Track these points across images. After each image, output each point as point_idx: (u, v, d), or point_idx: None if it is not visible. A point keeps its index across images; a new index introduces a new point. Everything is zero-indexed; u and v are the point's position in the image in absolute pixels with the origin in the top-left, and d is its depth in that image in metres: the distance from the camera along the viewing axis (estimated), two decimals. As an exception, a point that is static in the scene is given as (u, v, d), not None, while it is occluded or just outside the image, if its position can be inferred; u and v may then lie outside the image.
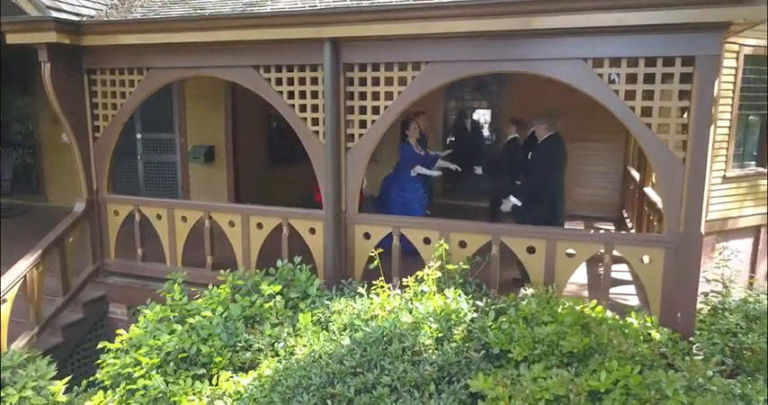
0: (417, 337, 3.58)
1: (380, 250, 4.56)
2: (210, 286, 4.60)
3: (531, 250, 4.49)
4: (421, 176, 6.43)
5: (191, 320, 4.11)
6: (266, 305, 4.20)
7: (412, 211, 6.13)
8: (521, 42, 4.20)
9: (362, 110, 4.80)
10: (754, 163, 9.17)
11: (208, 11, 5.02)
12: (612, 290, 4.74)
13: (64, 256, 5.55)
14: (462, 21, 4.20)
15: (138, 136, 8.54)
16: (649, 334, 3.76)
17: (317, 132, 4.94)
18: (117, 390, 3.81)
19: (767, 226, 8.09)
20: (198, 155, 8.13)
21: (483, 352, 3.55)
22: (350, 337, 3.69)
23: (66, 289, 5.61)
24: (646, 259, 4.19)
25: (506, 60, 4.29)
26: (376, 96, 4.74)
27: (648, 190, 6.34)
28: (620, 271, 5.43)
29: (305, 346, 3.73)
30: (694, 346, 4.01)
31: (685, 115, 4.05)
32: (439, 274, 4.12)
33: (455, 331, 3.64)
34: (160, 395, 3.56)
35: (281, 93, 4.98)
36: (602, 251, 4.34)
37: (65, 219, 5.65)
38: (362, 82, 4.75)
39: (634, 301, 5.02)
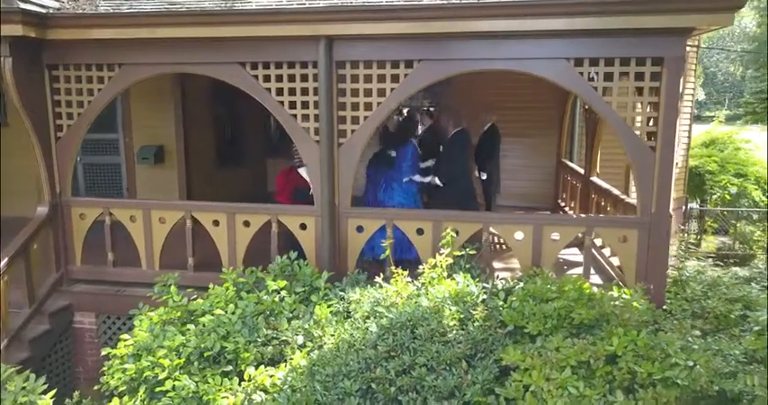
0: (441, 320, 3.79)
1: (391, 240, 4.71)
2: (212, 285, 4.53)
3: (518, 235, 4.85)
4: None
5: (203, 320, 4.06)
6: (276, 300, 4.23)
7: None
8: (512, 42, 4.53)
9: (355, 106, 4.93)
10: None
11: (184, 5, 4.91)
12: (573, 270, 5.21)
13: (29, 264, 5.19)
14: (456, 22, 4.46)
15: (77, 137, 8.03)
16: (632, 304, 4.22)
17: (308, 129, 5.00)
18: (136, 395, 3.70)
19: (676, 211, 9.09)
20: (147, 155, 7.80)
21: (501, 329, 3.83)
22: (376, 323, 3.83)
23: (31, 300, 5.25)
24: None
25: (498, 59, 4.61)
26: (368, 93, 4.88)
27: (595, 179, 6.94)
28: (573, 254, 5.97)
29: (332, 335, 3.82)
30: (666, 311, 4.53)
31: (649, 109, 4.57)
32: (451, 260, 4.35)
33: (474, 312, 3.89)
34: (190, 395, 3.51)
35: (270, 90, 4.99)
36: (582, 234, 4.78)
37: (28, 224, 5.28)
38: (354, 79, 4.88)
39: (596, 279, 5.51)
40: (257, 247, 5.28)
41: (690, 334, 3.82)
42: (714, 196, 11.93)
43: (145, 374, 3.70)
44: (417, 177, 6.18)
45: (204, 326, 3.98)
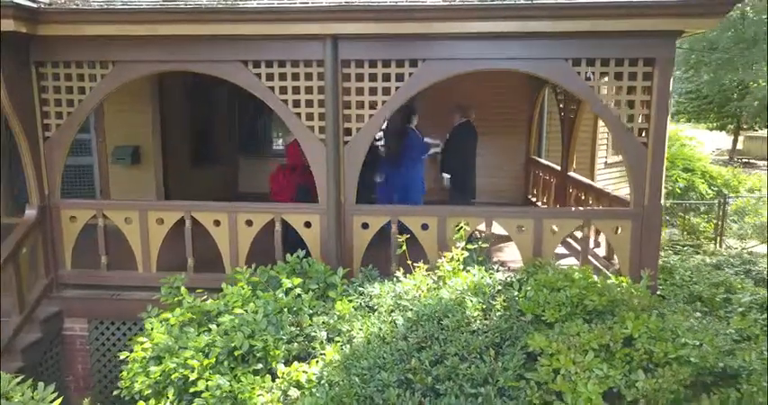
0: (464, 311, 3.92)
1: (407, 236, 4.82)
2: (224, 285, 4.48)
3: (520, 228, 5.04)
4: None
5: (223, 320, 4.03)
6: (295, 297, 4.24)
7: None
8: (515, 43, 4.72)
9: (360, 105, 4.99)
10: (624, 151, 10.74)
11: (187, 2, 4.83)
12: (561, 261, 5.48)
13: (18, 270, 4.98)
14: (460, 22, 4.61)
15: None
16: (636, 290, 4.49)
17: (312, 127, 5.02)
18: (162, 398, 3.64)
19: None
20: (124, 156, 7.57)
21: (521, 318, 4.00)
22: (402, 316, 3.92)
23: (21, 307, 5.03)
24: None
25: (503, 59, 4.78)
26: (373, 92, 4.95)
27: (573, 174, 7.26)
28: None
29: (360, 329, 3.88)
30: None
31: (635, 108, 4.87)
32: (466, 253, 4.49)
33: (494, 302, 4.04)
34: (224, 394, 3.49)
35: (273, 88, 4.98)
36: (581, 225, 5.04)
37: (16, 228, 5.06)
38: (359, 78, 4.94)
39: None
40: (255, 247, 5.25)
41: (692, 316, 4.11)
42: (665, 190, 12.64)
43: (173, 376, 3.64)
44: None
45: (227, 325, 3.95)
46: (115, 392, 3.97)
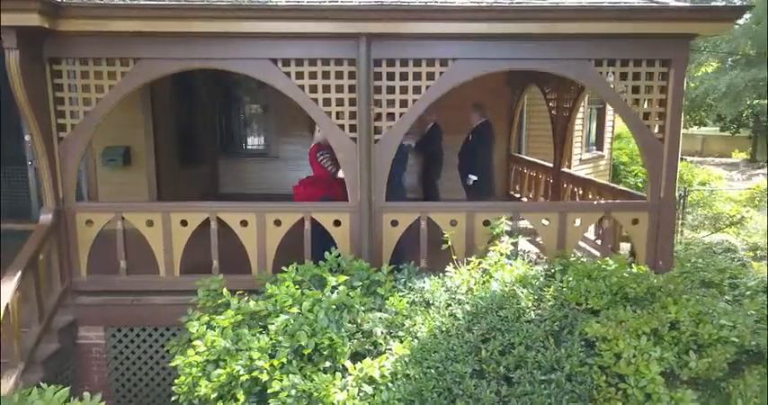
0: (519, 302, 4.07)
1: (451, 233, 4.90)
2: (268, 285, 4.43)
3: (545, 222, 5.24)
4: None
5: (279, 320, 3.99)
6: (344, 295, 4.26)
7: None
8: (542, 43, 4.89)
9: (390, 103, 5.04)
10: (594, 147, 11.35)
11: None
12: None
13: (37, 278, 4.74)
14: (492, 23, 4.75)
15: (27, 138, 7.29)
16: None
17: (342, 126, 5.04)
18: (231, 401, 3.59)
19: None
20: (115, 157, 7.28)
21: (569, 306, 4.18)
22: (461, 310, 4.01)
23: (41, 316, 4.79)
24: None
25: (530, 59, 4.96)
26: (404, 90, 5.01)
27: (569, 171, 7.58)
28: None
29: (422, 324, 3.94)
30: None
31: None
32: (512, 247, 4.63)
33: (543, 293, 4.20)
34: (299, 394, 3.48)
35: (303, 87, 4.95)
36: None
37: (33, 233, 4.81)
38: (390, 77, 4.99)
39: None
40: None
41: (720, 300, 4.41)
42: (629, 184, 13.33)
43: (242, 378, 3.59)
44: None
45: (286, 325, 3.92)
46: (173, 398, 3.86)
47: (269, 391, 3.48)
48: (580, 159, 10.86)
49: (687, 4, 4.59)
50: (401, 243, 5.29)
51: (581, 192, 7.09)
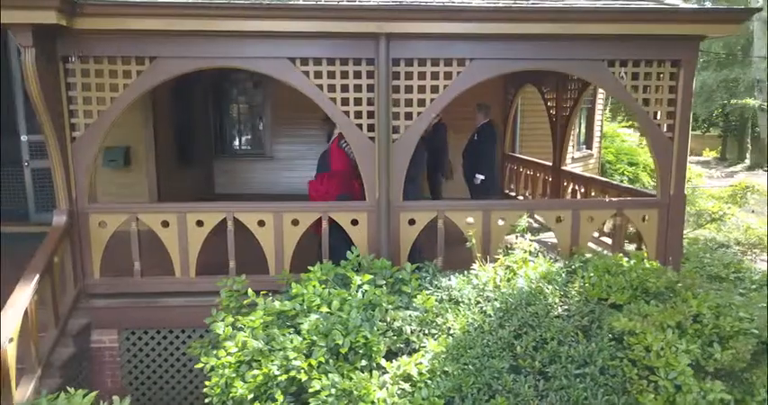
0: (546, 298, 4.13)
1: (473, 230, 4.95)
2: (293, 284, 4.41)
3: (558, 220, 5.33)
4: None
5: (310, 319, 3.98)
6: (372, 293, 4.27)
7: None
8: (558, 44, 4.97)
9: (408, 103, 5.06)
10: (584, 146, 11.55)
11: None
12: None
13: (53, 281, 4.65)
14: (510, 24, 4.81)
15: (24, 138, 7.16)
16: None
17: (361, 125, 5.05)
18: (268, 402, 3.58)
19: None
20: (115, 157, 7.16)
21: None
22: (491, 306, 4.06)
23: (56, 320, 4.70)
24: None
25: (546, 59, 5.05)
26: (421, 90, 5.04)
27: (569, 169, 7.71)
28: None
29: (454, 321, 3.98)
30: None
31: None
32: (536, 244, 4.70)
33: (568, 288, 4.28)
34: (339, 392, 3.48)
35: (321, 86, 4.95)
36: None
37: (47, 236, 4.70)
38: (408, 76, 5.02)
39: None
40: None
41: (735, 294, 4.55)
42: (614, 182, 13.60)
43: (280, 378, 3.58)
44: None
45: (319, 324, 3.92)
46: (207, 400, 3.82)
47: (310, 390, 3.47)
48: (572, 158, 11.04)
49: (699, 6, 4.71)
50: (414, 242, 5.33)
51: (583, 190, 7.22)
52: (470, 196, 7.35)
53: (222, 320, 4.29)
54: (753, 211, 13.13)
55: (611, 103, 26.30)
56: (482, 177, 6.79)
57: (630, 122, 18.50)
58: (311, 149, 10.27)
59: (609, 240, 6.44)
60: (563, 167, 7.83)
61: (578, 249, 5.24)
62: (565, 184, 7.75)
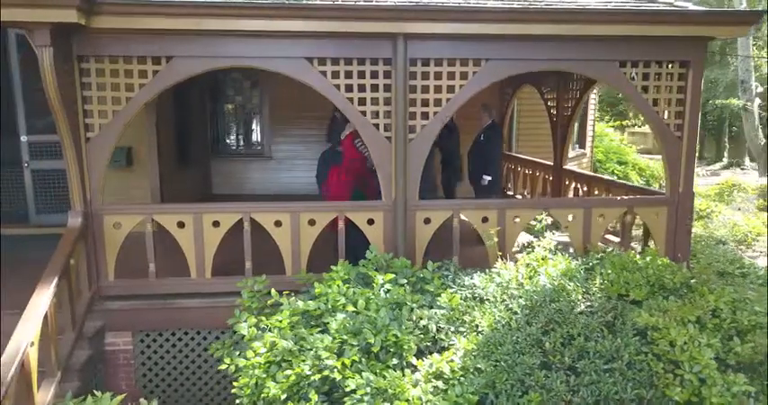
0: (569, 295, 4.20)
1: (497, 228, 4.99)
2: (316, 284, 4.42)
3: (571, 217, 5.41)
4: None
5: (337, 318, 4.00)
6: (397, 292, 4.30)
7: None
8: (572, 45, 5.05)
9: (424, 103, 5.09)
10: (578, 146, 11.72)
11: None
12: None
13: (70, 283, 4.58)
14: (524, 25, 4.88)
15: (24, 139, 7.02)
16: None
17: (377, 125, 5.07)
18: (301, 401, 3.58)
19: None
20: (118, 158, 7.03)
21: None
22: (516, 304, 4.12)
23: (74, 323, 4.63)
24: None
25: (561, 60, 5.12)
26: (438, 90, 5.08)
27: (573, 168, 7.82)
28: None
29: (481, 319, 4.02)
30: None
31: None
32: (555, 242, 4.76)
33: (589, 285, 4.35)
34: (374, 391, 3.50)
35: (338, 86, 4.96)
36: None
37: (63, 238, 4.64)
38: (425, 76, 5.05)
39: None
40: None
41: (747, 289, 4.67)
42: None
43: (314, 377, 3.59)
44: None
45: (346, 324, 3.93)
46: (238, 401, 3.81)
47: (346, 389, 3.48)
48: (568, 157, 11.17)
49: (710, 8, 4.82)
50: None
51: (585, 188, 7.32)
52: (475, 197, 7.40)
53: (245, 321, 4.28)
54: (739, 209, 13.46)
55: (597, 103, 26.72)
56: (489, 178, 6.85)
57: (618, 122, 18.78)
58: (309, 149, 10.25)
59: (613, 238, 6.57)
60: (565, 166, 7.93)
61: (591, 247, 5.32)
62: (567, 182, 7.85)
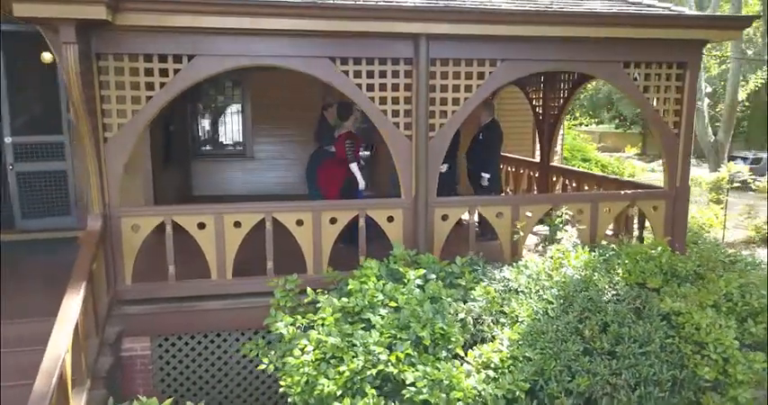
0: (597, 284, 4.41)
1: (521, 224, 5.22)
2: (350, 281, 4.45)
3: (580, 212, 5.65)
4: None
5: (382, 313, 4.06)
6: (436, 287, 4.39)
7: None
8: (577, 45, 5.27)
9: (443, 101, 5.21)
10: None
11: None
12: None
13: (93, 288, 4.45)
14: (541, 27, 5.07)
15: (8, 140, 6.70)
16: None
17: (398, 124, 5.15)
18: (358, 396, 3.63)
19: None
20: (111, 159, 6.82)
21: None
22: (549, 294, 4.29)
23: (98, 329, 4.50)
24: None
25: (570, 61, 5.36)
26: (456, 89, 5.21)
27: (560, 165, 8.11)
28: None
29: (520, 309, 4.17)
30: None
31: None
32: (576, 235, 4.96)
33: (612, 274, 4.58)
34: (430, 382, 3.59)
35: (360, 86, 5.01)
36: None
37: (83, 241, 4.49)
38: (444, 76, 5.16)
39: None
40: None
41: (751, 275, 5.02)
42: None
43: (370, 372, 3.64)
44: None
45: (391, 319, 4.00)
46: (290, 399, 3.81)
47: (406, 382, 3.55)
48: (555, 154, 11.54)
49: (708, 13, 5.15)
50: None
51: (574, 184, 7.62)
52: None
53: (281, 321, 4.27)
54: (694, 202, 14.27)
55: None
56: (488, 176, 7.02)
57: (579, 120, 19.44)
58: (292, 149, 10.22)
59: (609, 232, 6.88)
60: (552, 164, 8.23)
61: (598, 239, 5.58)
62: (554, 179, 8.14)
